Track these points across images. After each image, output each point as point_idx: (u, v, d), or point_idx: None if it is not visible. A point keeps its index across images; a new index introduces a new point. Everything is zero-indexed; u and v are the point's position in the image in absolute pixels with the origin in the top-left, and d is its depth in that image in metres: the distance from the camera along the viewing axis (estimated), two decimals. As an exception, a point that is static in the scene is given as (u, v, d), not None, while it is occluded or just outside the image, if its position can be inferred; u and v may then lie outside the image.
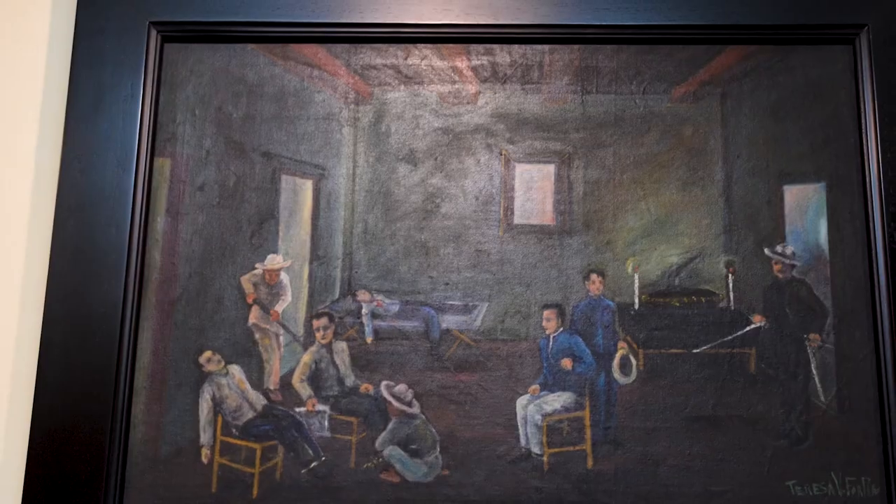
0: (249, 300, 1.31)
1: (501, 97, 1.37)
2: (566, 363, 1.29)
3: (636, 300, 1.30)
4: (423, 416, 1.27)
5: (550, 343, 1.29)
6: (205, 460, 1.26)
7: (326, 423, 1.27)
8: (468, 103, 1.37)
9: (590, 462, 1.25)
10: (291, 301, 1.31)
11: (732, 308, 1.29)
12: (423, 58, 1.38)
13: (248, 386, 1.28)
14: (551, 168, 1.35)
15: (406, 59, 1.38)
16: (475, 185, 1.35)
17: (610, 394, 1.27)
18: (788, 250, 1.30)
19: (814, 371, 1.26)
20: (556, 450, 1.25)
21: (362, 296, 1.32)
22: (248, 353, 1.29)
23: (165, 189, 1.33)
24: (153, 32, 1.34)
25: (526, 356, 1.29)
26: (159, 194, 1.32)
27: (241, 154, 1.35)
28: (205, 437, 1.26)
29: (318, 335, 1.30)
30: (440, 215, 1.34)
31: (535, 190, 1.34)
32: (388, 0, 1.36)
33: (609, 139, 1.35)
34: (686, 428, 1.25)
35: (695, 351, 1.28)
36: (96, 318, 1.25)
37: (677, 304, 1.30)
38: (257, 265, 1.32)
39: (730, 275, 1.30)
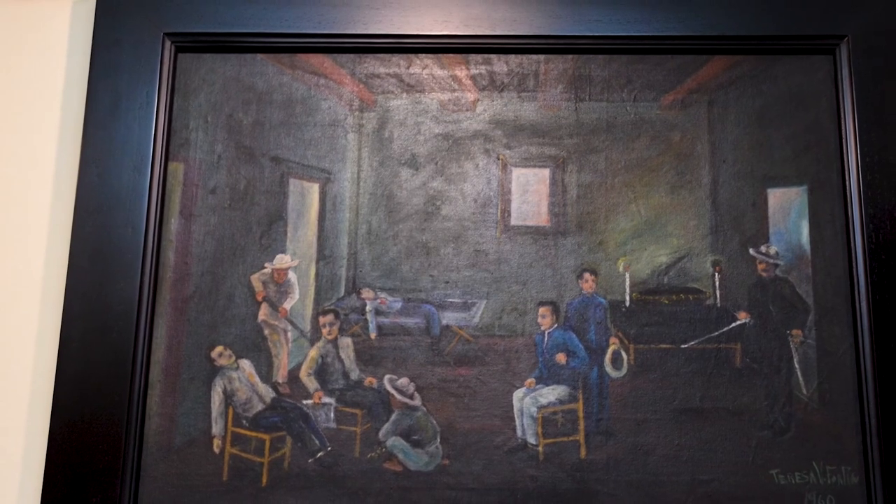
0: (259, 298, 1.34)
1: (499, 104, 1.40)
2: (560, 358, 1.32)
3: (627, 298, 1.33)
4: (425, 409, 1.30)
5: (546, 339, 1.33)
6: (216, 450, 1.29)
7: (332, 415, 1.30)
8: (467, 110, 1.40)
9: (583, 452, 1.28)
10: (299, 299, 1.34)
11: (719, 305, 1.32)
12: (424, 67, 1.41)
13: (257, 379, 1.32)
14: (546, 172, 1.38)
15: (408, 68, 1.42)
16: (474, 188, 1.38)
17: (602, 387, 1.30)
18: (772, 250, 1.33)
19: (796, 365, 1.29)
20: (551, 440, 1.29)
21: (366, 294, 1.35)
22: (257, 348, 1.33)
23: (179, 192, 1.36)
24: (167, 43, 1.38)
25: (522, 351, 1.32)
26: (173, 197, 1.36)
27: (251, 159, 1.38)
28: (216, 428, 1.29)
29: (325, 331, 1.33)
30: (440, 217, 1.37)
31: (530, 193, 1.38)
32: (390, 12, 1.39)
33: (601, 145, 1.38)
34: (675, 419, 1.28)
35: (683, 346, 1.31)
36: (113, 315, 1.28)
37: (666, 302, 1.33)
38: (266, 264, 1.35)
39: (716, 273, 1.33)
